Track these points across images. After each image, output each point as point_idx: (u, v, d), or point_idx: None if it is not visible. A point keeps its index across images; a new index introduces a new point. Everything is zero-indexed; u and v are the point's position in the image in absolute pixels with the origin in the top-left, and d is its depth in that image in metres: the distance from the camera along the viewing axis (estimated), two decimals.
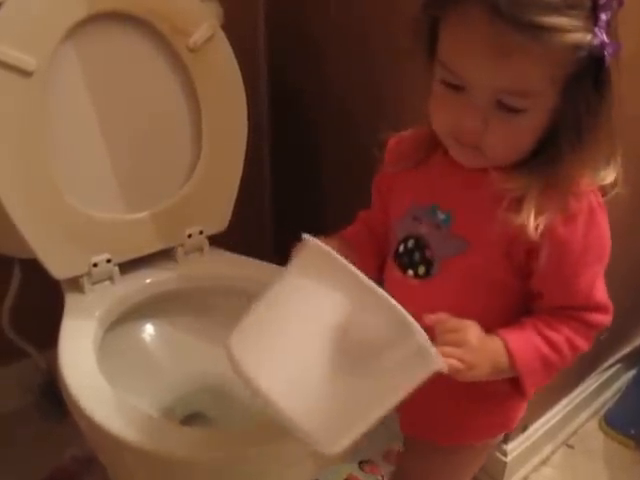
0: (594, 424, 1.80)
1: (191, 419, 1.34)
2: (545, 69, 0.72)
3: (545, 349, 0.84)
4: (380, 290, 0.71)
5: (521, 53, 0.70)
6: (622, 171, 0.82)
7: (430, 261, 0.90)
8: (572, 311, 0.85)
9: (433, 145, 0.91)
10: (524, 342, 0.84)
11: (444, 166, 0.89)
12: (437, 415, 1.00)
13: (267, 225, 1.99)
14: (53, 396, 1.24)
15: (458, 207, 0.88)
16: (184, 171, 1.41)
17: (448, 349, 0.77)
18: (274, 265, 1.40)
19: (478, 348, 0.80)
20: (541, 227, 0.78)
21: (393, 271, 0.95)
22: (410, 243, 0.92)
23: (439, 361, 0.72)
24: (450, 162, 0.87)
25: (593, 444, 1.75)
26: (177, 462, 0.98)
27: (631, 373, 1.84)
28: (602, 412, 1.82)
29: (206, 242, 1.46)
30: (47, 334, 1.22)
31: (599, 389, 1.83)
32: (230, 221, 1.48)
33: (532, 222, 0.78)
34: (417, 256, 0.91)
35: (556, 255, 0.81)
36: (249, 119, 1.43)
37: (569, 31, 0.69)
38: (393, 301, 0.70)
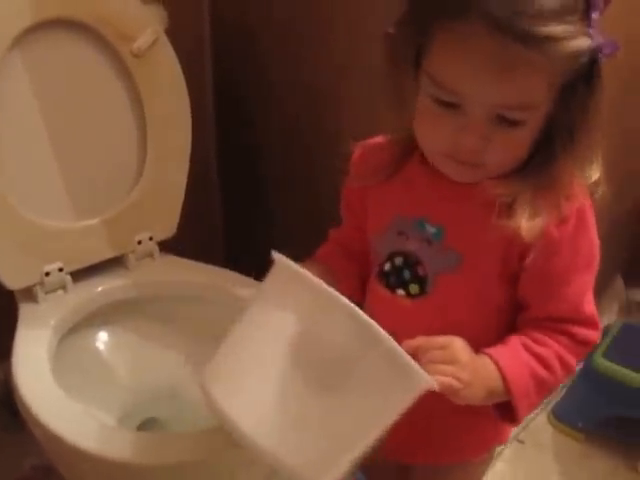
0: (543, 418, 1.83)
1: (147, 425, 1.34)
2: (547, 79, 0.71)
3: (537, 367, 0.80)
4: (351, 305, 0.67)
5: (525, 66, 0.68)
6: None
7: (423, 279, 0.86)
8: (559, 324, 0.82)
9: (406, 155, 0.88)
10: (516, 363, 0.80)
11: (426, 177, 0.85)
12: (434, 436, 0.96)
13: (218, 229, 1.98)
14: (11, 406, 1.23)
15: (449, 219, 0.84)
16: (131, 177, 1.41)
17: (440, 367, 0.73)
18: (225, 270, 1.41)
19: (470, 365, 0.76)
20: (536, 229, 0.76)
21: (379, 291, 0.91)
22: (398, 260, 0.88)
23: (426, 378, 0.68)
24: (432, 172, 0.83)
25: (543, 438, 1.78)
26: (133, 468, 0.99)
27: (577, 367, 1.87)
28: (551, 406, 1.85)
29: (156, 248, 1.46)
30: (3, 345, 1.21)
31: None
32: (180, 226, 1.48)
33: (527, 224, 0.75)
34: (407, 274, 0.87)
35: (546, 256, 0.79)
36: (195, 124, 1.43)
37: (572, 38, 0.67)
38: (359, 312, 0.67)
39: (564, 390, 1.86)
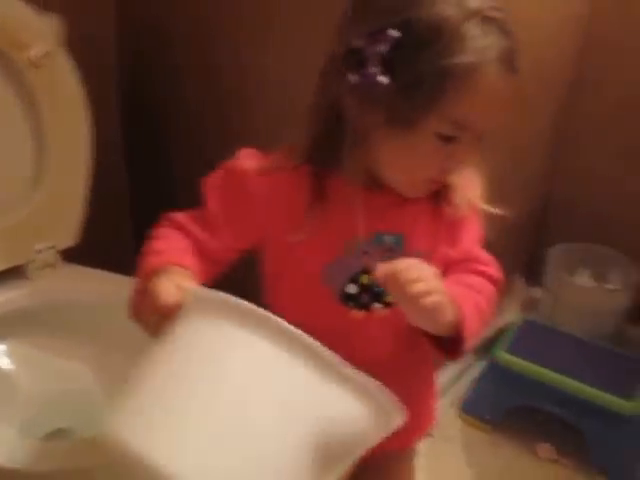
0: (451, 413, 1.90)
1: (55, 436, 1.32)
2: None
3: (474, 294, 0.88)
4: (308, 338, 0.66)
5: (515, 94, 0.80)
6: None
7: None
8: (470, 263, 0.93)
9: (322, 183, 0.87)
10: (460, 292, 0.85)
11: (362, 194, 0.86)
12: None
13: (127, 236, 1.95)
14: None
15: (404, 225, 0.89)
16: (28, 186, 1.39)
17: (419, 285, 0.76)
18: (130, 278, 1.38)
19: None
20: (474, 205, 0.90)
21: (346, 315, 0.91)
22: (365, 279, 0.89)
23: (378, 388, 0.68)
24: (366, 189, 0.86)
25: (452, 431, 1.84)
26: (38, 477, 0.99)
27: (482, 363, 1.94)
28: (458, 401, 1.92)
29: (58, 257, 1.44)
30: None
31: (454, 379, 1.92)
32: (88, 235, 1.47)
33: (470, 204, 0.90)
34: (380, 287, 0.88)
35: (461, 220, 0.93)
36: (101, 128, 1.43)
37: None
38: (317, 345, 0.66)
39: (471, 385, 1.92)
